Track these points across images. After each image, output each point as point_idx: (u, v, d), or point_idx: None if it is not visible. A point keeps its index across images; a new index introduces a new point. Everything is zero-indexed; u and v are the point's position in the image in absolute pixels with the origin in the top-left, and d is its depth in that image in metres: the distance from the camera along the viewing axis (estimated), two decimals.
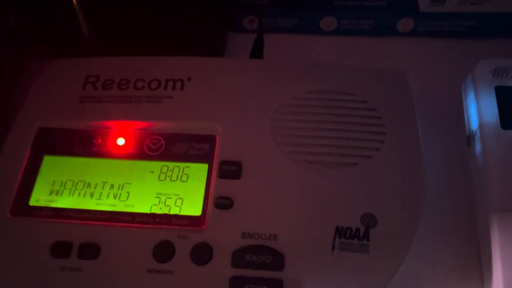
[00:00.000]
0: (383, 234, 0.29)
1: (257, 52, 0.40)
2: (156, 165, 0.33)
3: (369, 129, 0.33)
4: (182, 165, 0.33)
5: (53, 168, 0.33)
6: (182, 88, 0.35)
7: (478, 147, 0.33)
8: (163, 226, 0.30)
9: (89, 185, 0.32)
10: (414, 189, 0.30)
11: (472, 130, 0.34)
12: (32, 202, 0.32)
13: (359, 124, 0.33)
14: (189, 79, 0.35)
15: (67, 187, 0.32)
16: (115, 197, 0.32)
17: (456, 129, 0.38)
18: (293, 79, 0.35)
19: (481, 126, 0.33)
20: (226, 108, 0.34)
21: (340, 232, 0.29)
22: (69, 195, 0.32)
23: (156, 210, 0.31)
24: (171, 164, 0.33)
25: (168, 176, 0.32)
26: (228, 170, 0.31)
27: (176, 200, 0.32)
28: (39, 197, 0.32)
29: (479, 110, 0.34)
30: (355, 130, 0.32)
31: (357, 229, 0.29)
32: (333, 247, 0.29)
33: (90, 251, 0.30)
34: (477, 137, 0.33)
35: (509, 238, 0.29)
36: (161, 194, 0.32)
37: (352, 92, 0.34)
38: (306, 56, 0.45)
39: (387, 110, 0.33)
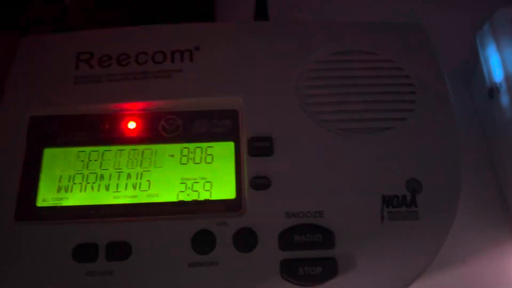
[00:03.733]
0: (430, 198, 0.28)
1: (261, 13, 0.36)
2: (175, 148, 0.30)
3: (399, 90, 0.31)
4: (204, 145, 0.30)
5: (56, 162, 0.29)
6: (191, 60, 0.31)
7: (505, 99, 0.32)
8: (197, 214, 0.28)
9: (102, 176, 0.29)
10: (452, 146, 0.29)
11: (496, 82, 0.33)
12: (40, 202, 0.28)
13: (389, 85, 0.31)
14: (197, 48, 0.32)
15: (77, 181, 0.29)
16: (134, 188, 0.29)
17: (469, 82, 0.37)
18: (311, 41, 0.32)
19: (507, 77, 0.32)
20: (244, 78, 0.31)
21: (387, 201, 0.28)
22: (80, 191, 0.29)
23: (184, 197, 0.28)
24: (192, 145, 0.30)
25: (191, 158, 0.29)
26: (260, 147, 0.29)
27: (204, 184, 0.29)
28: (47, 196, 0.28)
29: (503, 61, 0.33)
30: (385, 92, 0.31)
31: (404, 196, 0.28)
32: (382, 217, 0.27)
33: (119, 251, 0.27)
34: (503, 89, 0.33)
35: None
36: (186, 179, 0.29)
37: (376, 52, 0.32)
38: (305, 12, 0.42)
39: (413, 68, 0.32)
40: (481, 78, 0.36)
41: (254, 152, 0.29)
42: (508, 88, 0.32)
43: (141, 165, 0.29)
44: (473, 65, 0.37)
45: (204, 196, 0.28)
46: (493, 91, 0.34)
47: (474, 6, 0.41)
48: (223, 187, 0.29)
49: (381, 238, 0.27)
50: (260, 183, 0.28)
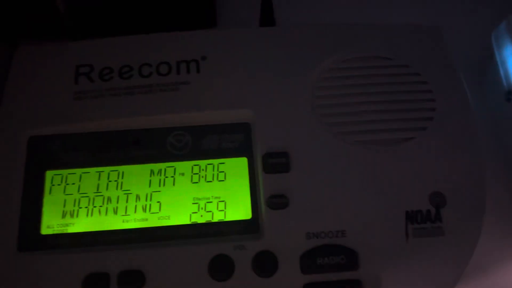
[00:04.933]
0: (455, 212, 0.27)
1: (267, 18, 0.34)
2: (185, 166, 0.28)
3: (418, 97, 0.29)
4: (216, 161, 0.28)
5: (59, 185, 0.27)
6: (198, 71, 0.30)
7: None
8: (213, 238, 0.26)
9: (109, 199, 0.27)
10: (476, 156, 0.28)
11: None
12: (44, 230, 0.26)
13: (407, 93, 0.29)
14: (203, 58, 0.30)
15: (83, 205, 0.27)
16: (144, 210, 0.27)
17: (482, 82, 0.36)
18: (323, 46, 0.31)
19: None
20: (255, 89, 0.29)
21: (411, 217, 0.27)
22: (87, 215, 0.27)
23: (197, 219, 0.27)
24: (202, 163, 0.28)
25: (202, 176, 0.28)
26: (276, 163, 0.27)
27: (217, 203, 0.27)
28: (51, 222, 0.27)
29: None
30: (403, 100, 0.29)
31: (428, 211, 0.27)
32: (407, 235, 0.26)
33: (132, 280, 0.25)
34: None
35: None
36: (199, 198, 0.27)
37: (391, 56, 0.31)
38: (313, 14, 0.40)
39: (431, 74, 0.30)
40: (497, 80, 0.34)
41: (270, 168, 0.27)
42: None
43: (150, 185, 0.28)
44: (486, 65, 0.36)
45: (218, 216, 0.27)
46: (510, 93, 0.33)
47: (490, 3, 0.40)
48: (238, 207, 0.27)
49: (406, 257, 0.26)
50: (277, 202, 0.27)
